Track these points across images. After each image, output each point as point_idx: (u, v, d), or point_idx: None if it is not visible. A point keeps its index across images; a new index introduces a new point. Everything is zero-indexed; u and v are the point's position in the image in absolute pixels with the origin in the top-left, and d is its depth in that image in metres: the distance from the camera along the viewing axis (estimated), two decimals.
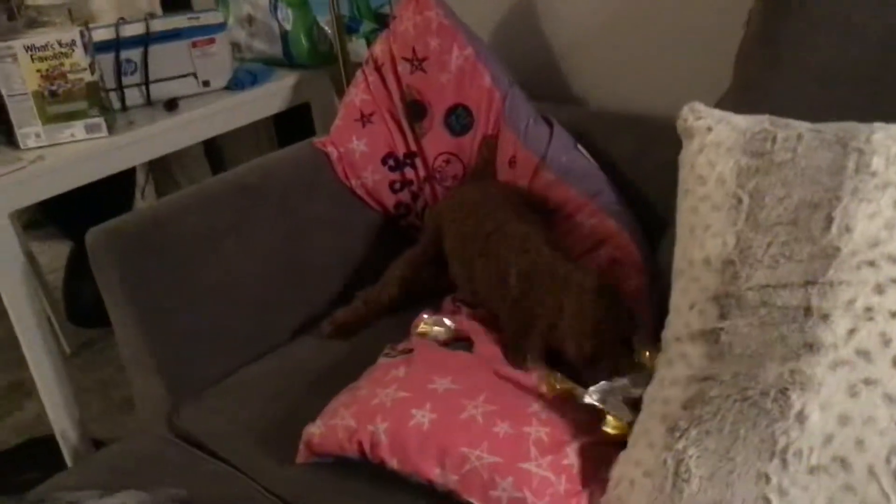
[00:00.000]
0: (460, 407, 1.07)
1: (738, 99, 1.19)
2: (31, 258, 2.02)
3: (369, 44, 1.94)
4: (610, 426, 1.05)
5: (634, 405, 1.05)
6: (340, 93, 1.91)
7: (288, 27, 1.98)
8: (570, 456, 1.03)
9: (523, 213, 1.38)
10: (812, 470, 0.86)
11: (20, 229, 2.23)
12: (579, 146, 1.49)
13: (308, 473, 1.17)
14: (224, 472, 1.23)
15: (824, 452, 0.86)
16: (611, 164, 1.48)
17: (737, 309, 0.94)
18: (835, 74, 1.11)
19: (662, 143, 1.19)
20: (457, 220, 1.41)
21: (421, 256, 1.48)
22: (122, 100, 1.84)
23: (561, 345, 1.17)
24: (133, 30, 1.82)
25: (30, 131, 1.67)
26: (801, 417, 0.87)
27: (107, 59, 1.79)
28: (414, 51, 1.59)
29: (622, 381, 1.09)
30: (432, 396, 1.10)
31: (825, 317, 0.89)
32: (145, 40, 1.83)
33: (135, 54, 1.83)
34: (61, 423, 1.73)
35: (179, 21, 1.85)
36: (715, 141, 1.00)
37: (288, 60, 2.02)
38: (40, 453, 2.02)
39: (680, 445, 0.92)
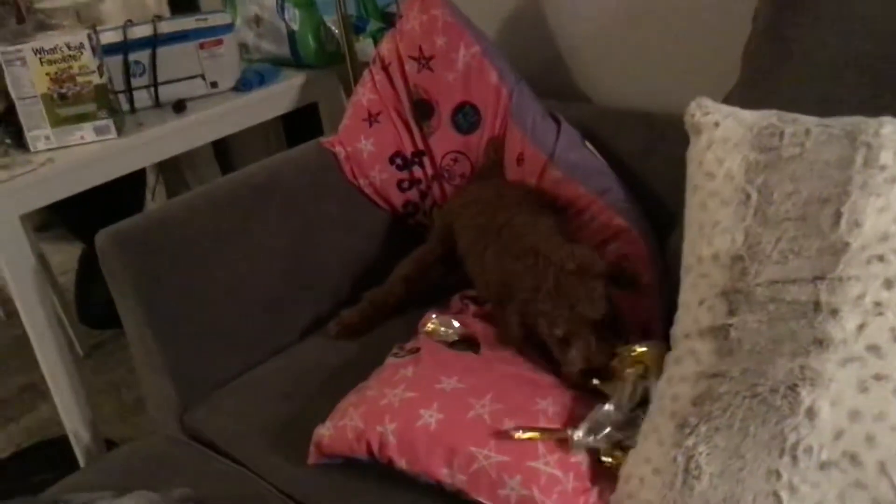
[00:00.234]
0: (468, 406, 1.08)
1: (745, 94, 1.19)
2: (42, 260, 2.03)
3: (376, 43, 1.94)
4: (607, 461, 1.04)
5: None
6: (348, 92, 1.91)
7: (295, 27, 1.98)
8: (578, 453, 1.02)
9: (535, 209, 1.38)
10: (822, 466, 0.85)
11: (32, 232, 2.24)
12: (587, 143, 1.49)
13: (318, 473, 1.17)
14: (235, 471, 1.23)
15: (834, 448, 0.85)
16: (619, 161, 1.47)
17: (746, 305, 0.94)
18: (842, 69, 1.10)
19: (670, 139, 1.19)
20: (471, 215, 1.41)
21: (429, 256, 1.48)
22: (131, 102, 1.85)
23: (535, 322, 1.16)
24: (141, 32, 1.83)
25: (39, 134, 1.68)
26: (810, 413, 0.86)
27: (115, 62, 1.80)
28: (421, 49, 1.59)
29: (607, 410, 1.07)
30: (440, 396, 1.10)
31: (834, 312, 0.88)
32: (153, 42, 1.83)
33: (143, 56, 1.83)
34: (74, 424, 1.74)
35: (187, 22, 1.86)
36: (723, 136, 1.00)
37: (295, 61, 2.02)
38: (53, 454, 2.03)
39: (690, 442, 0.92)
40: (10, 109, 1.67)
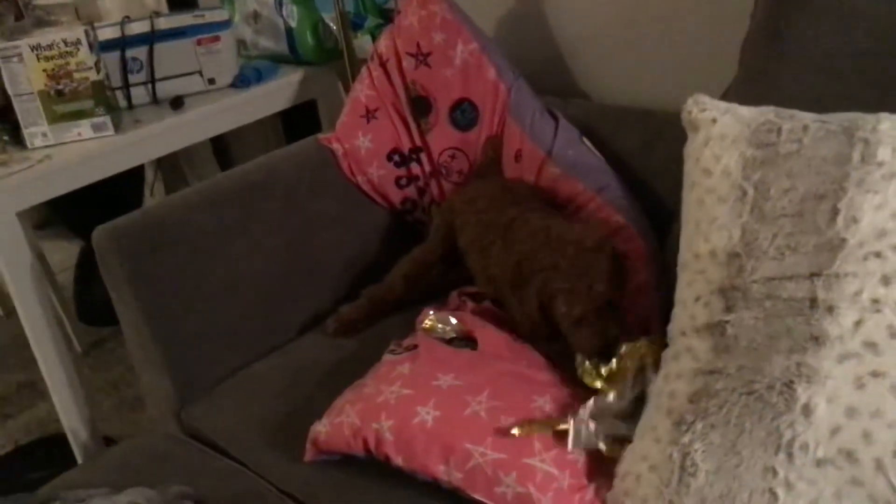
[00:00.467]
0: (464, 403, 1.07)
1: (743, 90, 1.19)
2: (41, 258, 2.03)
3: (374, 39, 1.94)
4: (605, 451, 1.04)
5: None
6: (347, 89, 1.91)
7: (293, 24, 1.98)
8: (577, 447, 1.02)
9: (542, 205, 1.38)
10: (819, 463, 0.85)
11: (31, 229, 2.24)
12: (585, 140, 1.49)
13: (316, 470, 1.17)
14: (233, 469, 1.23)
15: (831, 445, 0.85)
16: (617, 158, 1.47)
17: (742, 301, 0.93)
18: (840, 65, 1.10)
19: (669, 136, 1.19)
20: (475, 211, 1.41)
21: (430, 255, 1.48)
22: (128, 98, 1.84)
23: (552, 302, 1.16)
24: (138, 28, 1.83)
25: (36, 131, 1.68)
26: (807, 410, 0.86)
27: (112, 58, 1.80)
28: (418, 46, 1.59)
29: (608, 401, 1.07)
30: (436, 393, 1.10)
31: (831, 309, 0.88)
32: (151, 38, 1.83)
33: (140, 52, 1.83)
34: (72, 421, 1.74)
35: (185, 19, 1.85)
36: (720, 133, 1.00)
37: (294, 57, 2.02)
38: (52, 451, 2.03)
39: (686, 439, 0.92)
40: (8, 106, 1.67)
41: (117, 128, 1.72)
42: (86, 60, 1.64)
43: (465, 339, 1.25)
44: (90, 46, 1.64)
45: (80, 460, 1.75)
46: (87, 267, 2.56)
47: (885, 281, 0.87)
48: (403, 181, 1.64)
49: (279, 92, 1.97)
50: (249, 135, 2.33)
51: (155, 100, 1.87)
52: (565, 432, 1.03)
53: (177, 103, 1.84)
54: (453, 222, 1.46)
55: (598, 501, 0.99)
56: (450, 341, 1.25)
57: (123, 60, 1.82)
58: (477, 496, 1.02)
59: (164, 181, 2.78)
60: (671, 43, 1.55)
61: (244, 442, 1.27)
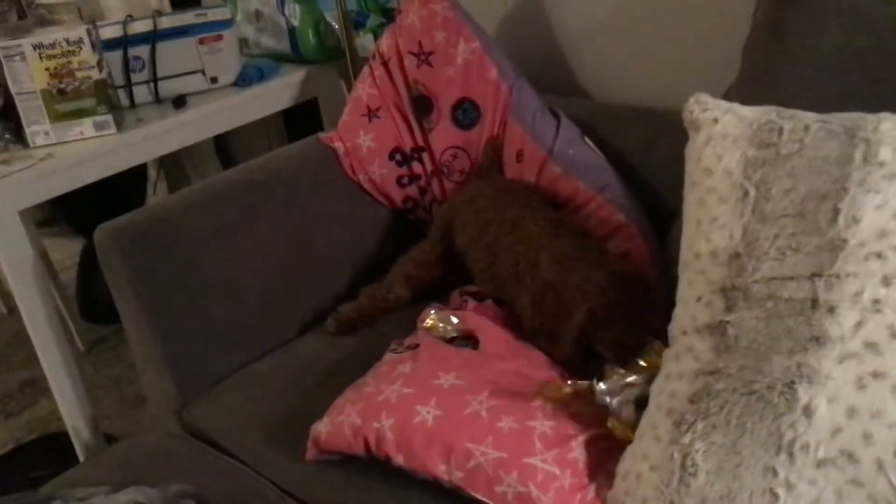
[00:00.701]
0: (465, 403, 1.07)
1: (744, 90, 1.19)
2: (43, 255, 2.04)
3: (376, 38, 1.94)
4: (614, 427, 1.05)
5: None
6: (349, 88, 1.91)
7: (295, 23, 1.98)
8: (576, 450, 1.02)
9: (541, 204, 1.38)
10: (819, 464, 0.85)
11: (33, 227, 2.25)
12: (587, 139, 1.49)
13: (317, 469, 1.17)
14: (234, 467, 1.23)
15: (831, 446, 0.85)
16: (618, 157, 1.47)
17: (743, 302, 0.93)
18: (842, 65, 1.10)
19: (670, 135, 1.18)
20: (474, 210, 1.41)
21: (430, 255, 1.48)
22: (131, 97, 1.85)
23: (597, 333, 1.16)
24: (141, 27, 1.83)
25: (38, 129, 1.68)
26: (807, 411, 0.86)
27: (115, 57, 1.80)
28: (420, 45, 1.59)
29: (635, 378, 1.08)
30: (437, 392, 1.10)
31: (832, 309, 0.88)
32: (153, 37, 1.83)
33: (143, 51, 1.83)
34: (74, 419, 1.74)
35: (187, 18, 1.86)
36: (721, 132, 0.99)
37: (296, 56, 2.02)
38: (54, 449, 2.04)
39: (686, 439, 0.91)
40: (10, 105, 1.67)
41: (119, 127, 1.72)
42: (88, 59, 1.64)
43: (467, 339, 1.25)
44: (92, 45, 1.64)
45: (81, 458, 1.75)
46: (89, 265, 2.57)
47: (886, 281, 0.87)
48: (405, 180, 1.64)
49: (281, 91, 1.97)
50: (251, 133, 2.33)
51: (157, 99, 1.87)
52: (585, 390, 1.04)
53: (179, 102, 1.84)
54: (452, 222, 1.46)
55: (598, 501, 0.99)
56: (451, 340, 1.25)
57: (126, 59, 1.82)
58: (477, 495, 1.02)
59: (167, 180, 2.79)
60: (673, 42, 1.55)
61: (245, 440, 1.27)
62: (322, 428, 1.14)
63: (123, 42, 1.81)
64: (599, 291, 1.15)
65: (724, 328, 0.94)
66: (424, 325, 1.29)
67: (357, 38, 1.98)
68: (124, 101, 1.83)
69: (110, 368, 2.37)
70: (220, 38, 1.88)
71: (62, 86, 1.64)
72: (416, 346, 1.23)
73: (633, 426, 1.01)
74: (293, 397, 1.31)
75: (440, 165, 1.63)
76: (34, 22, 1.90)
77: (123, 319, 1.43)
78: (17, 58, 1.62)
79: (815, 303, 0.89)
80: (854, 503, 0.85)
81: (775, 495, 0.86)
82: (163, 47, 1.84)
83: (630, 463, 0.98)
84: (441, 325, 1.28)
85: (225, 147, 2.65)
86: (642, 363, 1.12)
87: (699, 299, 0.97)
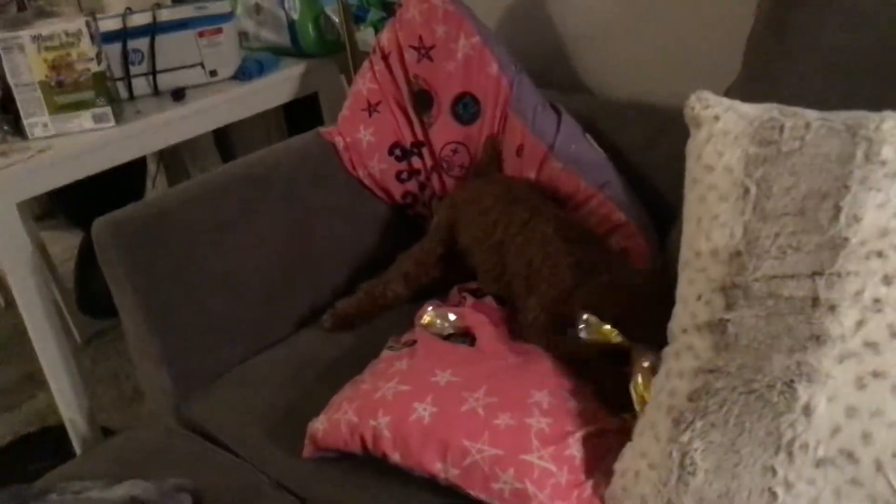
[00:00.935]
0: (461, 400, 1.07)
1: (746, 87, 1.18)
2: (41, 248, 2.03)
3: (377, 32, 1.93)
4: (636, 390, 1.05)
5: None
6: (349, 82, 1.90)
7: (295, 16, 1.97)
8: (573, 447, 1.02)
9: (546, 203, 1.38)
10: (818, 463, 0.85)
11: (31, 220, 2.24)
12: (587, 135, 1.48)
13: (315, 465, 1.17)
14: (231, 462, 1.23)
15: (831, 445, 0.85)
16: (619, 154, 1.46)
17: (743, 300, 0.93)
18: (844, 63, 1.09)
19: (671, 132, 1.18)
20: (479, 210, 1.40)
21: (430, 255, 1.47)
22: (130, 89, 1.84)
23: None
24: (140, 20, 1.82)
25: (37, 121, 1.67)
26: (807, 410, 0.86)
27: (114, 49, 1.79)
28: (420, 39, 1.58)
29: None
30: (434, 389, 1.09)
31: (833, 308, 0.88)
32: (152, 30, 1.82)
33: (142, 44, 1.82)
34: (71, 412, 1.74)
35: (186, 11, 1.85)
36: (722, 130, 0.99)
37: (296, 50, 2.01)
38: (51, 443, 2.03)
39: (685, 438, 0.91)
40: (8, 96, 1.66)
41: (118, 119, 1.71)
42: (87, 51, 1.63)
43: (464, 335, 1.25)
44: (92, 37, 1.63)
45: (78, 452, 1.75)
46: (87, 258, 2.55)
47: (887, 280, 0.87)
48: (405, 175, 1.63)
49: (281, 85, 1.96)
50: (251, 127, 2.33)
51: (156, 91, 1.86)
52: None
53: (178, 95, 1.83)
54: (454, 221, 1.45)
55: (595, 498, 0.99)
56: (448, 337, 1.25)
57: (125, 52, 1.81)
58: (474, 493, 1.02)
59: (167, 173, 2.78)
60: (675, 38, 1.54)
61: (242, 435, 1.27)
62: (319, 426, 1.14)
63: (123, 34, 1.80)
64: (620, 300, 1.14)
65: (724, 326, 0.93)
66: (422, 321, 1.28)
67: (357, 33, 1.98)
68: (123, 94, 1.82)
69: (108, 362, 2.37)
70: (219, 31, 1.87)
71: (61, 78, 1.64)
72: (414, 342, 1.23)
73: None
74: (292, 392, 1.31)
75: (440, 160, 1.62)
76: (33, 14, 1.89)
77: (121, 313, 1.43)
78: (16, 49, 1.61)
79: (815, 301, 0.89)
80: (853, 503, 0.85)
81: (774, 494, 0.86)
82: (162, 40, 1.83)
83: (628, 460, 0.97)
84: (438, 321, 1.28)
85: (225, 141, 2.64)
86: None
87: (699, 297, 0.97)
